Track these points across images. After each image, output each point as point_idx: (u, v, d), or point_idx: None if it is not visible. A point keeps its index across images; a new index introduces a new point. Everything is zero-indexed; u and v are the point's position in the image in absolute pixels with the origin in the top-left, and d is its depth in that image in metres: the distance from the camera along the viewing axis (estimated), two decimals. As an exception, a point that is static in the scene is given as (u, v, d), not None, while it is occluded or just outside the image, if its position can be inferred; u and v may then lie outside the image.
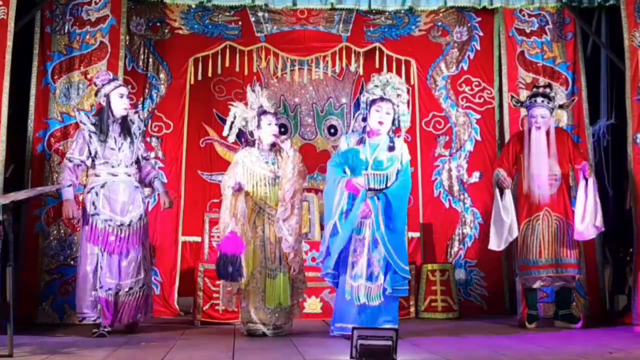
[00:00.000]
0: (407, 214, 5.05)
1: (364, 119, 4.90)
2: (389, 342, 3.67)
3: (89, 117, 5.12)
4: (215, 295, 5.70)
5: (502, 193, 5.47)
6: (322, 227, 6.52)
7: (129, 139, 5.08)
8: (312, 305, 6.00)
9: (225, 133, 5.23)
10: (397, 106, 4.82)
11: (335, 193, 4.80)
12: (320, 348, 4.33)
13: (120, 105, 5.04)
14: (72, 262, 5.69)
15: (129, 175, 5.07)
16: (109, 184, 4.98)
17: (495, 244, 5.48)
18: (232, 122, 5.16)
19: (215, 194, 6.69)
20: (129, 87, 5.59)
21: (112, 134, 5.02)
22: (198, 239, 6.48)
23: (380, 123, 4.79)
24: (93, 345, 4.40)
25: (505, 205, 5.43)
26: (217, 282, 5.69)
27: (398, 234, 4.79)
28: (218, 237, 6.27)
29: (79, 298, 4.97)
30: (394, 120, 4.83)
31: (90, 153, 4.98)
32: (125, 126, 5.09)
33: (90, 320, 4.91)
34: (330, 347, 4.38)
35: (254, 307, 4.97)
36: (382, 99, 4.80)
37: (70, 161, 5.01)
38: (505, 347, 4.35)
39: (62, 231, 5.74)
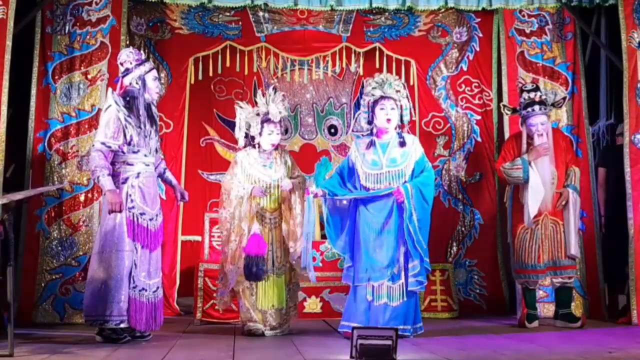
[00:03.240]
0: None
1: (369, 122, 4.93)
2: (389, 342, 3.68)
3: (120, 99, 4.59)
4: (215, 295, 5.70)
5: None
6: (322, 227, 6.53)
7: (154, 127, 4.73)
8: (312, 305, 6.00)
9: (236, 136, 5.21)
10: (399, 101, 4.88)
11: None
12: (320, 348, 4.33)
13: (155, 88, 4.70)
14: (72, 262, 5.70)
15: (155, 166, 4.79)
16: (143, 174, 4.61)
17: (533, 212, 5.40)
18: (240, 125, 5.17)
19: (215, 193, 6.68)
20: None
21: (143, 120, 4.63)
22: (198, 238, 6.49)
23: (389, 120, 4.85)
24: (93, 345, 4.41)
25: (538, 179, 5.40)
26: (217, 282, 5.72)
27: (426, 226, 4.85)
28: (218, 236, 6.29)
29: (102, 299, 4.46)
30: (400, 115, 4.89)
31: (125, 139, 4.54)
32: (151, 113, 4.72)
33: (112, 325, 4.49)
34: (330, 347, 4.39)
35: (251, 306, 5.00)
36: (383, 97, 4.85)
37: (108, 147, 4.50)
38: (505, 347, 4.35)
39: (62, 231, 5.74)
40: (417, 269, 4.75)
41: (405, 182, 4.80)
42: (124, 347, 4.35)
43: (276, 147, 5.16)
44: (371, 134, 4.96)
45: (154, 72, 4.75)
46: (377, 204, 4.81)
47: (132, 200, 4.54)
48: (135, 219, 4.54)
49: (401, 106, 4.89)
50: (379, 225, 4.79)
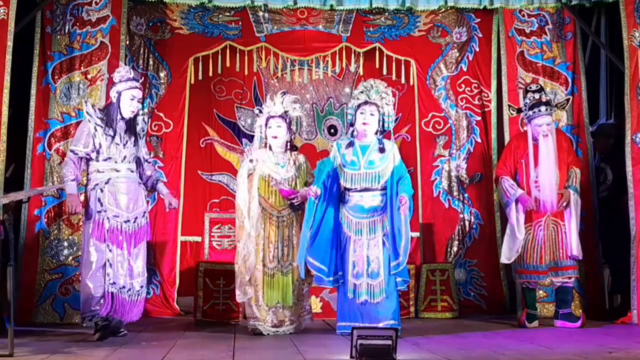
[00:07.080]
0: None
1: (351, 124, 5.09)
2: (389, 342, 3.68)
3: (95, 111, 4.96)
4: (215, 295, 5.71)
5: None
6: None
7: (133, 138, 5.00)
8: (312, 305, 5.97)
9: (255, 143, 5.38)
10: (382, 108, 5.00)
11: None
12: (320, 348, 4.33)
13: (128, 107, 4.95)
14: (72, 262, 5.70)
15: (132, 172, 5.00)
16: (113, 179, 4.88)
17: (507, 257, 5.55)
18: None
19: (215, 194, 6.70)
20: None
21: (119, 131, 4.93)
22: (198, 238, 6.49)
23: (365, 124, 4.99)
24: (93, 345, 4.41)
25: (520, 222, 5.49)
26: (217, 282, 5.72)
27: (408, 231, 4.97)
28: (219, 237, 6.30)
29: (87, 297, 4.80)
30: (380, 121, 5.01)
31: (94, 147, 4.87)
32: (131, 125, 5.01)
33: (96, 317, 4.76)
34: (330, 347, 4.39)
35: (255, 303, 5.03)
36: (365, 102, 5.00)
37: (75, 154, 4.89)
38: (505, 346, 4.35)
39: (62, 231, 5.74)
40: (401, 267, 4.87)
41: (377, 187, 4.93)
42: (123, 347, 4.35)
43: (288, 149, 5.21)
44: (352, 135, 5.10)
45: (133, 92, 4.97)
46: (359, 204, 4.94)
47: (102, 204, 4.84)
48: (106, 221, 4.82)
49: (384, 113, 5.00)
50: (360, 225, 4.93)
